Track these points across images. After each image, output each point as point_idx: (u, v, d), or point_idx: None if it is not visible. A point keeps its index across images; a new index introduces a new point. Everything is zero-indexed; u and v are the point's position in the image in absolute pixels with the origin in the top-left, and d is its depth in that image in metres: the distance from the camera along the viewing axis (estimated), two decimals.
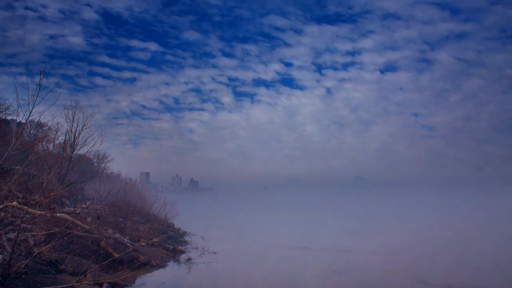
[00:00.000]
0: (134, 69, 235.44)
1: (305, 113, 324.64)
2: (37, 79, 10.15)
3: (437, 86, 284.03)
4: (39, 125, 34.88)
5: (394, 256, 23.19)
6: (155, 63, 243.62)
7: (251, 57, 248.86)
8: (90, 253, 16.29)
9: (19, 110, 10.44)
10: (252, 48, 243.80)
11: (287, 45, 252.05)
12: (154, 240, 22.49)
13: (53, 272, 13.54)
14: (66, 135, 30.37)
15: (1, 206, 15.74)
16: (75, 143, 29.94)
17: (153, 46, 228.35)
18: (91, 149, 31.88)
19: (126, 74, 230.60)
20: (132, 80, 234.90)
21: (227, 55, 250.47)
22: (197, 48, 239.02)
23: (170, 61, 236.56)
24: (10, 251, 11.15)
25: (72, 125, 29.79)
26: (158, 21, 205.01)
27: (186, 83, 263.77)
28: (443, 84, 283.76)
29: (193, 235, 31.92)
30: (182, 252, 22.72)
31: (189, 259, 20.51)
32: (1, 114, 32.42)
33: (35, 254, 12.42)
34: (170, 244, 23.79)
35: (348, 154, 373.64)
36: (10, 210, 15.96)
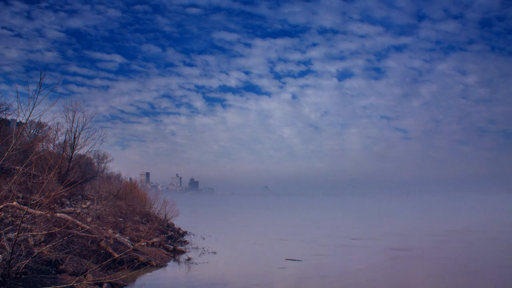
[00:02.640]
0: (105, 78, 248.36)
1: (277, 117, 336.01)
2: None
3: (396, 92, 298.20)
4: (39, 125, 34.92)
5: None
6: (123, 72, 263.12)
7: (212, 67, 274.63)
8: (90, 253, 16.29)
9: (19, 110, 10.46)
10: (210, 58, 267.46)
11: (241, 56, 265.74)
12: (154, 240, 22.50)
13: (53, 272, 13.54)
14: (66, 135, 30.39)
15: (1, 206, 15.75)
16: (75, 143, 29.94)
17: (118, 58, 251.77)
18: (91, 149, 31.93)
19: (98, 82, 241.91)
20: (106, 87, 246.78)
21: (189, 65, 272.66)
22: (159, 59, 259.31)
23: (137, 70, 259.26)
24: (10, 251, 11.15)
25: (72, 125, 29.80)
26: (122, 39, 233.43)
27: (157, 90, 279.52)
28: (401, 90, 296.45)
29: (193, 235, 31.94)
30: (182, 252, 22.72)
31: (189, 259, 20.51)
32: (1, 114, 32.44)
33: (35, 254, 12.42)
34: (170, 244, 23.80)
35: (331, 156, 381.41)
36: (10, 210, 15.97)
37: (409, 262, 21.40)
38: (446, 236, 33.08)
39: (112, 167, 52.19)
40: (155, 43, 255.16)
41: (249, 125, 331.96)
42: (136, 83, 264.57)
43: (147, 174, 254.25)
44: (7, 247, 11.67)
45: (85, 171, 34.40)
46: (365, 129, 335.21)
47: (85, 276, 13.20)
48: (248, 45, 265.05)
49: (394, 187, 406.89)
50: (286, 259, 19.08)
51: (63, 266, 14.07)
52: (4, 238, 12.58)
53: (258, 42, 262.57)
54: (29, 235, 13.82)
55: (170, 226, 32.96)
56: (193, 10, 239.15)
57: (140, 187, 49.50)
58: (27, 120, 10.61)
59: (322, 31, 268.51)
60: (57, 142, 31.37)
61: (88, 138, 30.28)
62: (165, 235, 26.01)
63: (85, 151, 32.09)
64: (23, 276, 11.65)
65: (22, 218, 11.81)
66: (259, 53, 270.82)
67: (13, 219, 15.57)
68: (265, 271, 18.96)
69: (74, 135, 29.91)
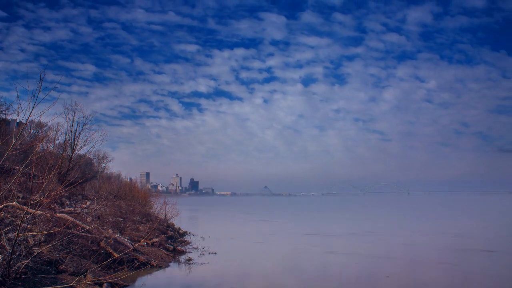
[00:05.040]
0: (82, 85, 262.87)
1: (255, 120, 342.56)
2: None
3: (362, 96, 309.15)
4: (39, 125, 34.91)
5: None
6: (98, 79, 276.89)
7: (180, 74, 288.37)
8: (90, 253, 16.28)
9: (19, 110, 10.44)
10: (177, 67, 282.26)
11: (206, 64, 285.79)
12: (154, 240, 22.49)
13: (53, 272, 13.53)
14: (66, 135, 30.40)
15: (1, 206, 15.74)
16: (75, 143, 29.94)
17: (92, 68, 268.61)
18: (91, 149, 31.95)
19: (76, 88, 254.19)
20: (85, 94, 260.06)
21: (159, 73, 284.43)
22: (129, 68, 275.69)
23: (111, 78, 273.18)
24: (10, 251, 11.14)
25: (72, 125, 29.80)
26: (94, 51, 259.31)
27: (133, 96, 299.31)
28: (365, 95, 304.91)
29: (193, 235, 31.93)
30: (182, 252, 22.71)
31: (189, 259, 20.50)
32: (1, 114, 32.44)
33: (35, 254, 12.40)
34: (170, 244, 23.79)
35: (317, 157, 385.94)
36: (10, 210, 15.96)
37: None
38: None
39: (112, 167, 52.16)
40: (125, 55, 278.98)
41: (230, 128, 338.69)
42: (112, 89, 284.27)
43: (147, 174, 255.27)
44: (7, 247, 11.66)
45: (85, 171, 34.37)
46: (343, 131, 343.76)
47: (85, 276, 13.19)
48: (209, 56, 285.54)
49: (393, 187, 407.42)
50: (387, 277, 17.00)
51: (63, 266, 14.06)
52: (4, 238, 12.56)
53: (217, 52, 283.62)
54: (29, 235, 13.81)
55: (170, 226, 32.96)
56: (156, 27, 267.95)
57: (140, 187, 49.54)
58: (27, 120, 10.60)
59: (275, 43, 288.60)
60: (57, 142, 31.37)
61: (88, 138, 30.30)
62: (165, 235, 26.00)
63: (85, 151, 32.13)
64: (23, 276, 11.64)
65: (22, 218, 11.80)
66: (221, 62, 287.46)
67: (13, 219, 15.56)
68: (265, 271, 18.96)
69: (74, 135, 29.92)
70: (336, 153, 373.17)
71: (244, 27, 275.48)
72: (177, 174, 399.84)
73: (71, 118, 29.52)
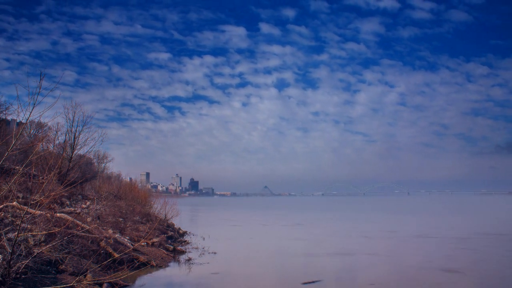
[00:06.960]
0: (65, 90, 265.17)
1: (238, 122, 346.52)
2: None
3: (336, 100, 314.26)
4: (39, 125, 34.92)
5: None
6: (80, 85, 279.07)
7: (157, 80, 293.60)
8: (90, 253, 16.28)
9: (19, 110, 10.46)
10: (153, 73, 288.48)
11: (180, 71, 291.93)
12: (154, 240, 22.49)
13: (53, 272, 13.53)
14: (66, 135, 30.40)
15: (1, 206, 15.75)
16: (75, 143, 29.94)
17: (72, 74, 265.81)
18: (91, 149, 31.96)
19: (58, 93, 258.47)
20: (69, 98, 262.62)
21: (136, 78, 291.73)
22: (107, 74, 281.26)
23: (92, 83, 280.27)
24: (10, 251, 11.14)
25: (72, 125, 29.80)
26: (74, 60, 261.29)
27: (116, 100, 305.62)
28: (339, 98, 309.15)
29: (193, 235, 31.94)
30: (182, 252, 22.72)
31: (189, 259, 20.51)
32: (1, 114, 32.45)
33: (35, 254, 12.40)
34: (170, 244, 23.80)
35: (307, 158, 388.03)
36: (10, 210, 15.96)
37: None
38: None
39: (112, 167, 52.13)
40: (102, 62, 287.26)
41: (215, 130, 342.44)
42: (95, 94, 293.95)
43: (147, 174, 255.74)
44: (7, 247, 11.66)
45: (85, 171, 34.37)
46: (326, 133, 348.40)
47: (85, 276, 13.19)
48: (181, 63, 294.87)
49: (393, 187, 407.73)
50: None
51: (63, 266, 14.07)
52: (4, 238, 12.56)
53: (188, 60, 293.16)
54: (29, 235, 13.81)
55: (170, 226, 32.97)
56: (131, 39, 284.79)
57: (140, 187, 49.52)
58: (27, 120, 10.61)
59: (241, 51, 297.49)
60: (57, 142, 31.37)
61: (88, 138, 30.31)
62: (165, 235, 26.01)
63: (85, 151, 32.14)
64: (23, 276, 11.64)
65: (22, 218, 11.81)
66: (194, 69, 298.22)
67: (13, 219, 15.56)
68: (265, 271, 18.96)
69: (74, 135, 29.93)
70: (324, 154, 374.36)
71: (209, 38, 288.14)
72: (177, 174, 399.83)
73: (71, 118, 29.54)
